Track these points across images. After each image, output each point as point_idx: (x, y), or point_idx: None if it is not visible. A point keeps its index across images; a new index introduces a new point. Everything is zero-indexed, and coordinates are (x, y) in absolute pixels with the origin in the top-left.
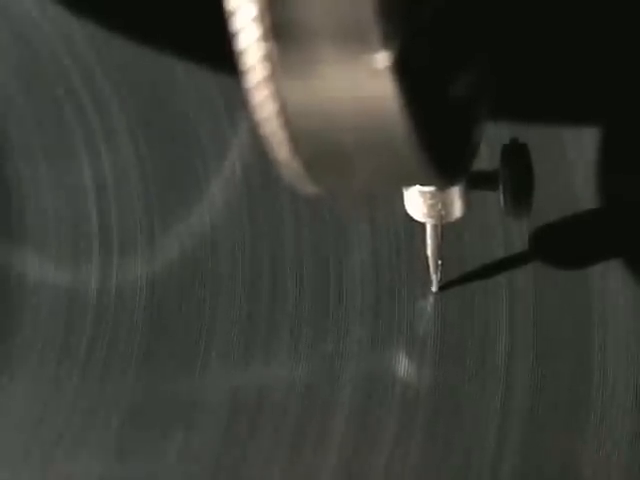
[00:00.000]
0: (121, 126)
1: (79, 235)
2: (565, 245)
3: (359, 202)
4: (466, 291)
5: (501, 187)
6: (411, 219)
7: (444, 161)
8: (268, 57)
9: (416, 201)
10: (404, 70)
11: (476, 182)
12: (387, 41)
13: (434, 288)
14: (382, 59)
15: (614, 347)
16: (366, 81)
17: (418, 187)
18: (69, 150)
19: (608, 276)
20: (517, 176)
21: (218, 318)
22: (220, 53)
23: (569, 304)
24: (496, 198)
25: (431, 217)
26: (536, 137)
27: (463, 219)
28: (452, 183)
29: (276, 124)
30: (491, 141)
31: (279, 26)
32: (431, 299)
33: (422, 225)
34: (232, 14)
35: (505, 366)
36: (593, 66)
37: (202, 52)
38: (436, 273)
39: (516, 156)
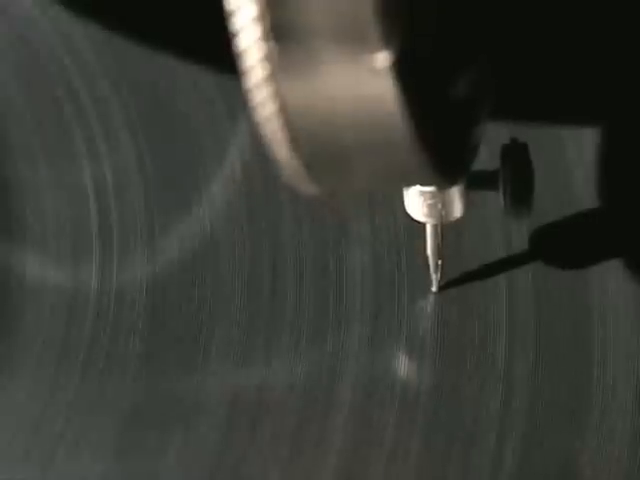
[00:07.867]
0: (121, 126)
1: (79, 235)
2: (565, 245)
3: (359, 202)
4: (466, 291)
5: (501, 187)
6: (411, 219)
7: (444, 161)
8: (268, 57)
9: (416, 201)
10: (404, 70)
11: (476, 182)
12: (387, 41)
13: (434, 288)
14: (382, 59)
15: (614, 347)
16: (366, 81)
17: (418, 187)
18: (69, 150)
19: (608, 276)
20: (517, 176)
21: (218, 318)
22: (220, 53)
23: (569, 304)
24: (496, 198)
25: (431, 217)
26: (536, 137)
27: (463, 219)
28: (452, 183)
29: (276, 124)
30: (491, 141)
31: (279, 26)
32: (431, 299)
33: (422, 225)
34: (232, 14)
35: (505, 366)
36: (593, 66)
37: (202, 52)
38: (436, 273)
39: (516, 156)
